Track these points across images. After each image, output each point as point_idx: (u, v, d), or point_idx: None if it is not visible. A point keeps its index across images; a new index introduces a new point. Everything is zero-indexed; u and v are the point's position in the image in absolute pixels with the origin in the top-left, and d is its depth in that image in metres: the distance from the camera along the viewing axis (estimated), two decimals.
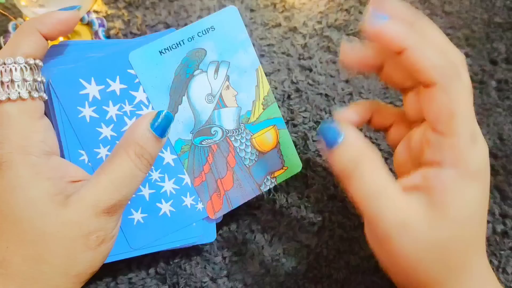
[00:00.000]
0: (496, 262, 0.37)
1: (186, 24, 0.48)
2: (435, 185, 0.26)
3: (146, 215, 0.32)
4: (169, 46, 0.31)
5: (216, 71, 0.32)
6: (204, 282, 0.35)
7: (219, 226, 0.37)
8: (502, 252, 0.37)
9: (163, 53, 0.31)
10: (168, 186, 0.32)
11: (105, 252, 0.29)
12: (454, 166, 0.26)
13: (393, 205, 0.26)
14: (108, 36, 0.46)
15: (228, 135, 0.33)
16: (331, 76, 0.47)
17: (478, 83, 0.47)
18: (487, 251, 0.37)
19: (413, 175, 0.28)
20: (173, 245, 0.33)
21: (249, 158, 0.34)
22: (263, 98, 0.34)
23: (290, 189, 0.40)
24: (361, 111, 0.33)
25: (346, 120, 0.32)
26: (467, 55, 0.49)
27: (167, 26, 0.49)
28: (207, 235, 0.34)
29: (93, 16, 0.47)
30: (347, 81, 0.46)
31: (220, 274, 0.35)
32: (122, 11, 0.49)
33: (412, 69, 0.27)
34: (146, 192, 0.32)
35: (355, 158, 0.27)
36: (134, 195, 0.31)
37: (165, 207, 0.32)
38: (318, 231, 0.38)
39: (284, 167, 0.35)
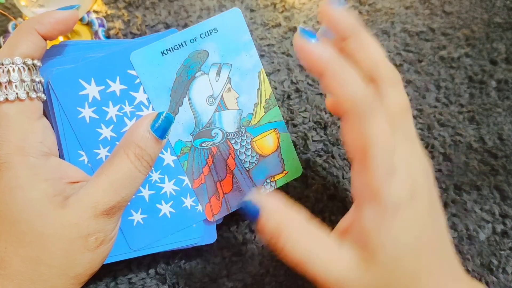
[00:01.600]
0: (496, 262, 0.37)
1: (186, 24, 0.48)
2: (360, 227, 0.26)
3: (146, 216, 0.32)
4: (171, 47, 0.31)
5: (218, 73, 0.32)
6: (204, 282, 0.35)
7: (219, 226, 0.37)
8: (502, 252, 0.37)
9: (165, 54, 0.31)
10: (168, 187, 0.32)
11: (104, 253, 0.29)
12: (371, 203, 0.25)
13: (325, 264, 0.25)
14: (108, 36, 0.46)
15: (228, 137, 0.33)
16: None
17: (478, 83, 0.47)
18: (487, 251, 0.37)
19: (346, 215, 0.28)
20: (173, 246, 0.33)
21: (249, 161, 0.34)
22: (265, 101, 0.34)
23: (290, 189, 0.40)
24: None
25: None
26: (467, 55, 0.49)
27: (167, 26, 0.49)
28: (207, 236, 0.34)
29: (93, 16, 0.47)
30: None
31: (220, 274, 0.35)
32: (122, 11, 0.49)
33: (329, 93, 0.26)
34: (146, 193, 0.32)
35: (276, 227, 0.27)
36: (134, 196, 0.31)
37: (165, 208, 0.32)
38: None
39: (284, 171, 0.35)
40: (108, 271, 0.34)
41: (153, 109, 0.31)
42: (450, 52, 0.49)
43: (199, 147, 0.33)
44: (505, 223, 0.39)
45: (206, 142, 0.33)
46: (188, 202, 0.33)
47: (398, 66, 0.48)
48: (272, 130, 0.34)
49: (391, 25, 0.51)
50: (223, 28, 0.32)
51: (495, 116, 0.45)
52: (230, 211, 0.34)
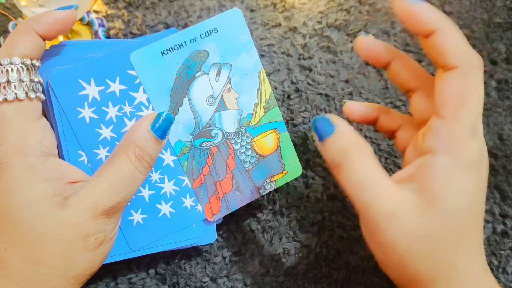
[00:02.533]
0: (496, 262, 0.37)
1: (186, 24, 0.48)
2: (427, 173, 0.26)
3: (146, 216, 0.32)
4: (171, 47, 0.31)
5: (218, 73, 0.32)
6: (204, 282, 0.35)
7: (219, 226, 0.37)
8: (502, 252, 0.37)
9: (165, 54, 0.30)
10: (168, 187, 0.32)
11: (104, 254, 0.29)
12: (448, 154, 0.26)
13: (383, 195, 0.26)
14: (108, 36, 0.46)
15: (228, 138, 0.33)
16: (331, 76, 0.47)
17: None
18: (487, 251, 0.37)
19: (409, 165, 0.28)
20: (173, 246, 0.33)
21: (249, 162, 0.34)
22: (265, 101, 0.34)
23: (290, 189, 0.40)
24: (369, 108, 0.34)
25: (353, 111, 0.34)
26: None
27: (167, 26, 0.49)
28: (207, 236, 0.34)
29: (93, 16, 0.47)
30: (347, 81, 0.46)
31: (220, 274, 0.35)
32: (122, 11, 0.49)
33: (438, 51, 0.27)
34: (146, 193, 0.32)
35: (345, 147, 0.27)
36: (133, 196, 0.31)
37: (165, 208, 0.32)
38: (318, 231, 0.38)
39: (284, 171, 0.35)
40: (108, 271, 0.34)
41: (153, 109, 0.31)
42: None
43: (199, 147, 0.33)
44: (505, 223, 0.39)
45: (206, 142, 0.33)
46: (188, 202, 0.33)
47: None
48: (272, 130, 0.34)
49: (391, 25, 0.51)
50: (223, 28, 0.32)
51: (495, 116, 0.45)
52: (230, 211, 0.34)
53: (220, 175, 0.33)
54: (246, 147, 0.34)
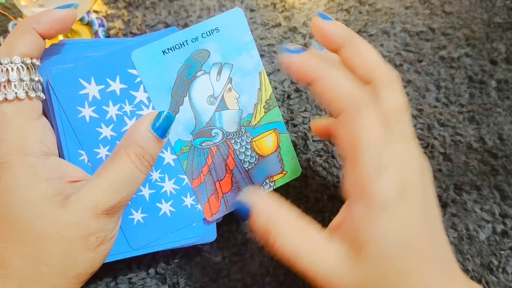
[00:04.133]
0: (496, 262, 0.37)
1: (186, 24, 0.48)
2: (348, 223, 0.26)
3: (146, 215, 0.32)
4: (173, 46, 0.31)
5: (219, 73, 0.32)
6: (204, 282, 0.35)
7: (219, 226, 0.37)
8: (502, 252, 0.37)
9: (166, 53, 0.31)
10: (168, 186, 0.32)
11: (105, 253, 0.29)
12: (361, 200, 0.25)
13: (314, 259, 0.26)
14: (108, 36, 0.46)
15: (228, 137, 0.33)
16: None
17: (478, 83, 0.47)
18: (487, 251, 0.37)
19: (338, 214, 0.28)
20: (173, 245, 0.33)
21: (249, 161, 0.34)
22: (265, 102, 0.34)
23: (290, 189, 0.40)
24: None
25: (317, 129, 0.34)
26: (467, 55, 0.49)
27: (167, 26, 0.49)
28: (208, 235, 0.34)
29: (93, 16, 0.47)
30: None
31: (220, 274, 0.35)
32: (122, 11, 0.49)
33: (321, 100, 0.27)
34: (146, 192, 0.32)
35: (266, 226, 0.27)
36: (134, 195, 0.31)
37: (165, 207, 0.32)
38: None
39: (283, 172, 0.35)
40: (108, 270, 0.34)
41: (153, 108, 0.31)
42: (450, 52, 0.49)
43: (198, 146, 0.33)
44: (505, 223, 0.39)
45: (206, 142, 0.33)
46: (188, 201, 0.33)
47: (398, 66, 0.48)
48: (272, 130, 0.34)
49: (391, 25, 0.51)
50: (224, 28, 0.32)
51: (495, 116, 0.45)
52: (229, 211, 0.34)
53: (220, 175, 0.33)
54: (246, 147, 0.34)
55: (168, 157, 0.32)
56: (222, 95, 0.33)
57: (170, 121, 0.29)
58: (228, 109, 0.33)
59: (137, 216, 0.32)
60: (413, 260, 0.25)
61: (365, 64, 0.28)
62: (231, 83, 0.33)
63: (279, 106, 0.34)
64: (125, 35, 0.47)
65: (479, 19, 0.52)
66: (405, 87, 0.47)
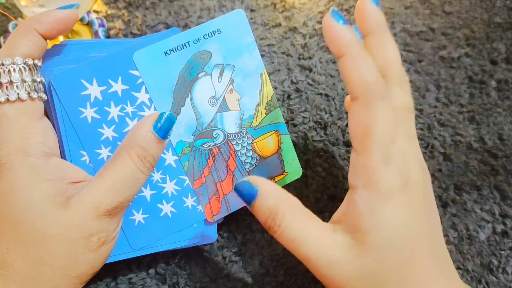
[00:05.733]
0: (496, 262, 0.37)
1: (186, 24, 0.48)
2: (352, 210, 0.26)
3: (147, 216, 0.32)
4: (175, 47, 0.31)
5: (221, 74, 0.32)
6: (204, 282, 0.35)
7: (219, 226, 0.37)
8: (502, 252, 0.37)
9: (168, 54, 0.31)
10: (170, 187, 0.32)
11: (106, 253, 0.29)
12: (365, 188, 0.26)
13: (318, 246, 0.26)
14: (108, 36, 0.46)
15: (229, 138, 0.33)
16: (331, 76, 0.47)
17: (478, 83, 0.47)
18: (487, 251, 0.37)
19: (341, 205, 0.29)
20: (174, 245, 0.33)
21: (250, 163, 0.34)
22: (266, 103, 0.34)
23: (290, 189, 0.39)
24: None
25: None
26: (467, 55, 0.49)
27: (167, 26, 0.49)
28: (208, 235, 0.34)
29: (93, 16, 0.47)
30: None
31: (220, 274, 0.35)
32: (122, 11, 0.49)
33: (343, 77, 0.27)
34: (147, 193, 0.32)
35: (272, 208, 0.28)
36: (135, 196, 0.31)
37: (166, 208, 0.32)
38: None
39: (284, 173, 0.35)
40: (109, 271, 0.34)
41: (155, 109, 0.31)
42: (450, 52, 0.49)
43: (200, 147, 0.33)
44: (505, 223, 0.39)
45: (207, 143, 0.33)
46: (189, 202, 0.33)
47: None
48: (273, 131, 0.34)
49: (391, 25, 0.51)
50: (226, 29, 0.32)
51: (495, 116, 0.45)
52: (230, 212, 0.34)
53: (221, 176, 0.34)
54: (247, 148, 0.34)
55: (170, 158, 0.32)
56: (224, 97, 0.33)
57: (172, 122, 0.29)
58: (230, 110, 0.33)
59: (138, 216, 0.32)
60: (417, 253, 0.26)
61: (385, 57, 0.28)
62: (232, 85, 0.33)
63: (280, 107, 0.34)
64: (125, 35, 0.47)
65: (479, 19, 0.52)
66: None
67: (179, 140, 0.32)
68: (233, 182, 0.34)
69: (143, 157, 0.28)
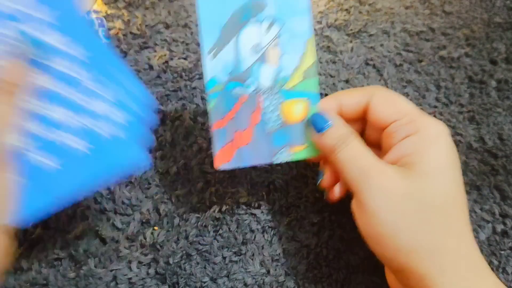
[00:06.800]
0: (496, 262, 0.37)
1: (186, 24, 0.48)
2: (403, 151, 0.29)
3: (59, 159, 0.30)
4: None
5: (270, 27, 0.33)
6: (204, 282, 0.35)
7: (219, 226, 0.37)
8: (502, 252, 0.37)
9: None
10: (80, 121, 0.30)
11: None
12: (415, 133, 0.29)
13: (380, 175, 0.29)
14: (108, 36, 0.46)
15: (260, 91, 0.34)
16: (331, 76, 0.47)
17: (478, 83, 0.47)
18: (487, 251, 0.37)
19: (388, 153, 0.30)
20: (102, 182, 0.31)
21: (273, 123, 0.33)
22: (306, 69, 0.34)
23: (290, 189, 0.40)
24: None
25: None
26: (467, 55, 0.49)
27: (167, 26, 0.49)
28: (139, 162, 0.32)
29: (93, 16, 0.47)
30: (347, 81, 0.46)
31: (220, 274, 0.35)
32: (122, 11, 0.49)
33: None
34: (54, 134, 0.30)
35: (344, 135, 0.30)
36: (42, 142, 0.29)
37: (79, 144, 0.30)
38: (318, 231, 0.38)
39: (304, 145, 0.34)
40: (108, 270, 0.34)
41: (201, 41, 0.32)
42: (450, 52, 0.49)
43: (230, 91, 0.33)
44: (505, 223, 0.39)
45: (239, 88, 0.33)
46: (104, 129, 0.31)
47: (398, 66, 0.48)
48: (305, 99, 0.34)
49: (391, 25, 0.51)
50: None
51: (495, 116, 0.45)
52: (240, 166, 0.34)
53: (243, 125, 0.33)
54: (274, 106, 0.34)
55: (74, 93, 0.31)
56: (267, 48, 0.33)
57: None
58: (269, 63, 0.33)
59: (48, 161, 0.30)
60: (456, 202, 0.29)
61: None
62: (278, 39, 0.33)
63: (319, 78, 0.35)
64: (125, 35, 0.47)
65: (479, 19, 0.52)
66: (405, 87, 0.47)
67: (213, 76, 0.33)
68: (252, 135, 0.34)
69: None
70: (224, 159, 0.33)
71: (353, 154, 0.30)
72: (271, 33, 0.33)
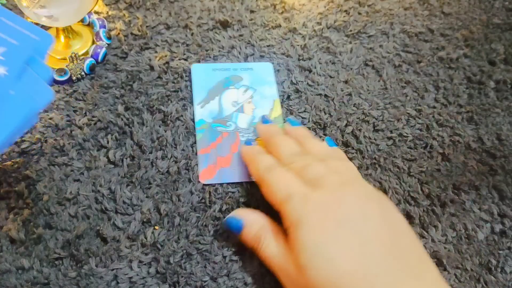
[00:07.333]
0: (494, 262, 0.37)
1: (186, 25, 0.49)
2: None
3: None
4: (221, 68, 0.47)
5: (246, 91, 0.45)
6: (204, 281, 0.35)
7: (219, 225, 0.37)
8: (500, 251, 0.37)
9: (215, 70, 0.46)
10: None
11: None
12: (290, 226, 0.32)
13: (282, 261, 0.32)
14: (109, 37, 0.47)
15: (238, 130, 0.43)
16: (331, 76, 0.47)
17: (477, 84, 0.47)
18: (486, 251, 0.37)
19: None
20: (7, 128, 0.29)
21: None
22: (273, 118, 0.44)
23: None
24: None
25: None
26: (465, 55, 0.49)
27: (168, 27, 0.49)
28: (40, 95, 0.30)
29: (94, 17, 0.48)
30: (346, 82, 0.47)
31: (220, 273, 0.35)
32: (123, 12, 0.50)
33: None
34: None
35: (258, 233, 0.34)
36: None
37: None
38: None
39: None
40: (109, 270, 0.35)
41: (192, 96, 0.44)
42: (449, 52, 0.49)
43: (214, 128, 0.42)
44: (504, 223, 0.39)
45: (221, 127, 0.43)
46: None
47: (397, 67, 0.48)
48: None
49: (390, 26, 0.51)
50: (257, 70, 0.47)
51: (494, 117, 0.45)
52: (221, 182, 0.39)
53: (223, 152, 0.41)
54: (250, 141, 0.42)
55: None
56: (243, 104, 0.44)
57: None
58: (245, 113, 0.44)
59: None
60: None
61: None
62: (251, 99, 0.45)
63: (283, 123, 0.43)
64: (125, 36, 0.48)
65: (477, 20, 0.52)
66: (404, 87, 0.47)
67: (201, 118, 0.43)
68: (231, 160, 0.41)
69: None
70: (208, 176, 0.40)
71: (269, 254, 0.33)
72: (246, 95, 0.45)
